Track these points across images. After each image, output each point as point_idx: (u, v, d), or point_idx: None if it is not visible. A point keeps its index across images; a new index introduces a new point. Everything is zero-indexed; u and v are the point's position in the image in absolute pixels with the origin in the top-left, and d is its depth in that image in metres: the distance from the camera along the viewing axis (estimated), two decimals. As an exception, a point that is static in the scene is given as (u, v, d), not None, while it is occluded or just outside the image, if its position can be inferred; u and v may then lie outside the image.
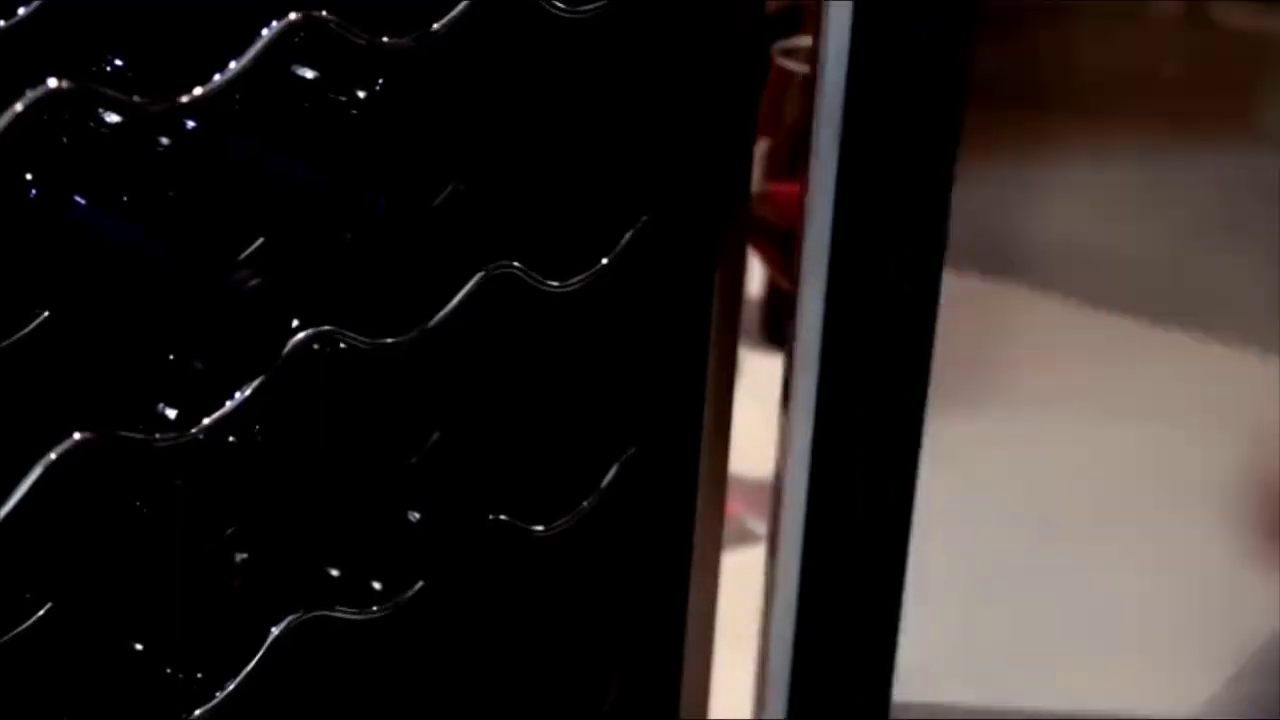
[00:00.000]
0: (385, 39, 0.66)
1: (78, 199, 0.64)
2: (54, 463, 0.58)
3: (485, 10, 0.68)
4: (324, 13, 0.63)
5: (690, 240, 0.80)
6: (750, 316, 0.87)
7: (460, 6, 0.67)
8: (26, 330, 0.64)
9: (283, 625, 0.69)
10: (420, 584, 0.72)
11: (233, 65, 0.61)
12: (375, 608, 0.71)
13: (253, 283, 0.61)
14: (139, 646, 0.69)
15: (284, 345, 0.65)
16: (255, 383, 0.64)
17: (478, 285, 0.72)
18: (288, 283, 0.67)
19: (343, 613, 0.71)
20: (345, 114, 0.70)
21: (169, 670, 0.68)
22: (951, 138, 0.83)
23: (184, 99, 0.60)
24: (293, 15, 0.63)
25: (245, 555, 0.72)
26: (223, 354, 0.63)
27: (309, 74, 0.69)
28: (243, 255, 0.67)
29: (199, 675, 0.67)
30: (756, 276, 0.94)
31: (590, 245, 0.77)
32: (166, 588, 0.70)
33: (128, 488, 0.70)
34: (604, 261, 0.77)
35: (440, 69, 0.72)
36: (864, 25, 0.77)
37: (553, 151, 0.78)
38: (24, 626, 0.64)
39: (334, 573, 0.72)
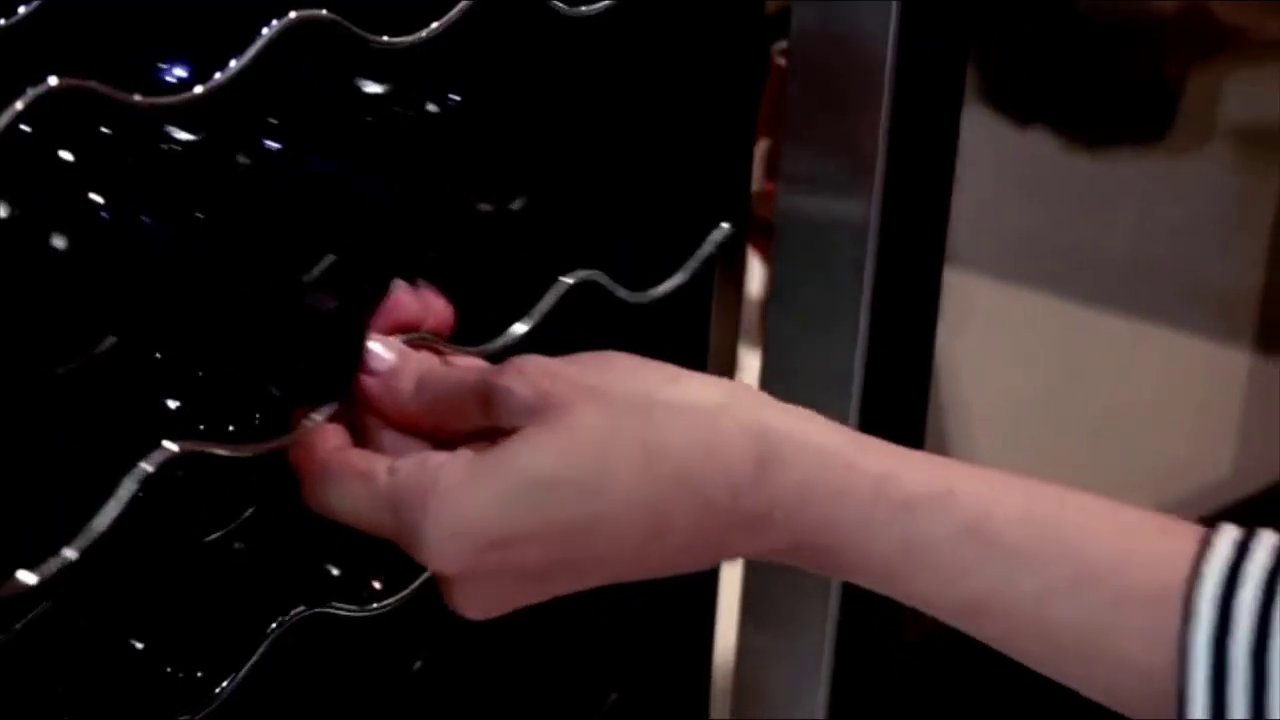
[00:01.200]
0: (386, 39, 0.66)
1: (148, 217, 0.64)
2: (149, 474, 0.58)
3: (485, 8, 0.68)
4: (325, 12, 0.64)
5: (689, 240, 0.80)
6: (750, 316, 0.87)
7: (460, 5, 0.67)
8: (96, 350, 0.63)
9: (284, 622, 0.69)
10: (422, 579, 0.72)
11: (233, 64, 0.61)
12: (376, 605, 0.71)
13: (331, 306, 0.61)
14: (139, 646, 0.69)
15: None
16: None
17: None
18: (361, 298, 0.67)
19: (343, 610, 0.71)
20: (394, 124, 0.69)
21: (169, 669, 0.68)
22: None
23: (183, 98, 0.60)
24: (293, 14, 0.63)
25: (247, 552, 0.72)
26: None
27: (375, 88, 0.69)
28: (315, 272, 0.66)
29: (199, 674, 0.67)
30: (756, 276, 0.94)
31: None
32: (167, 586, 0.70)
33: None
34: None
35: (440, 67, 0.72)
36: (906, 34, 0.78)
37: (554, 150, 0.78)
38: (24, 625, 0.64)
39: (335, 570, 0.72)
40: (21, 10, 0.58)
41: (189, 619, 0.69)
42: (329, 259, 0.66)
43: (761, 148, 0.85)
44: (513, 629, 0.83)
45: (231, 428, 0.62)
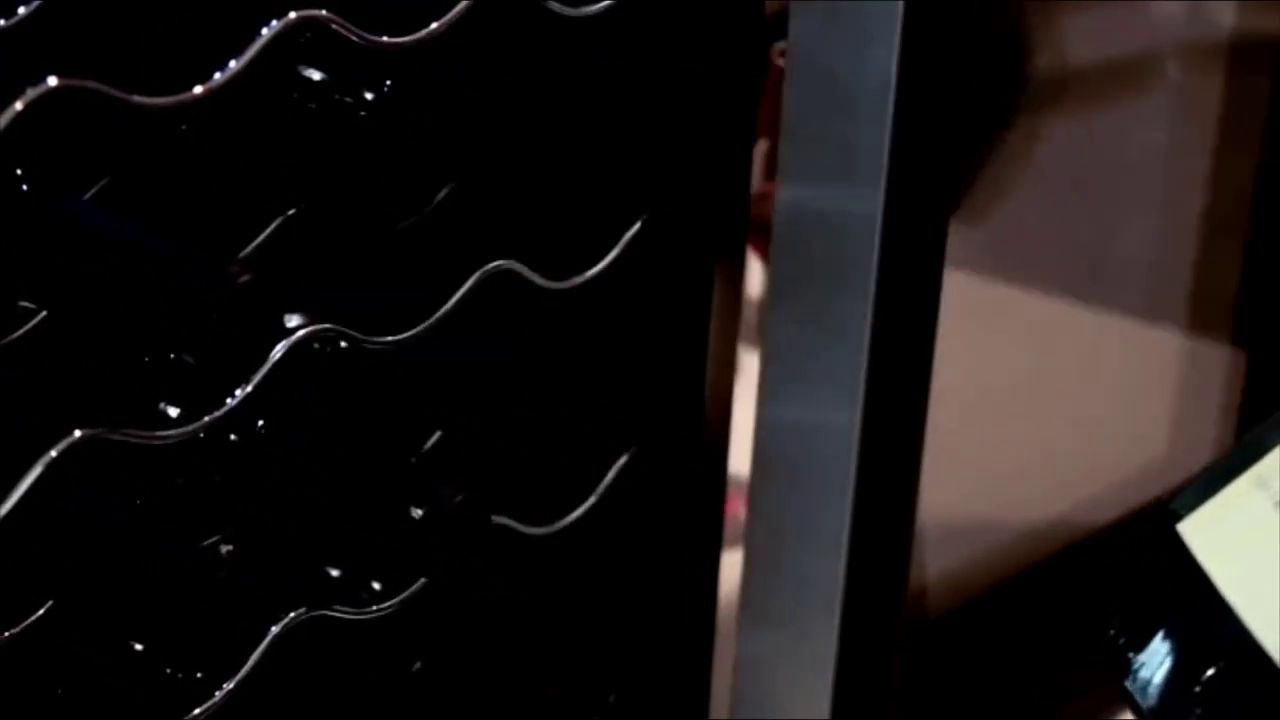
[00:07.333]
0: (385, 39, 0.66)
1: (74, 196, 0.64)
2: (55, 460, 0.58)
3: (485, 8, 0.68)
4: (324, 12, 0.64)
5: (689, 240, 0.80)
6: (750, 316, 0.87)
7: (460, 5, 0.67)
8: (25, 329, 0.64)
9: (283, 624, 0.69)
10: (421, 582, 0.72)
11: (233, 64, 0.61)
12: (375, 607, 0.71)
13: (244, 279, 0.61)
14: (139, 646, 0.69)
15: (284, 343, 0.65)
16: (254, 380, 0.64)
17: (477, 283, 0.72)
18: (287, 281, 0.68)
19: (343, 612, 0.71)
20: (350, 114, 0.70)
21: (169, 670, 0.68)
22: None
23: (183, 98, 0.60)
24: (292, 15, 0.63)
25: (245, 554, 0.72)
26: (222, 352, 0.63)
27: (315, 75, 0.69)
28: (242, 254, 0.67)
29: (199, 675, 0.67)
30: (756, 276, 0.94)
31: (590, 245, 0.77)
32: (167, 586, 0.70)
33: (127, 485, 0.70)
34: (604, 261, 0.77)
35: (440, 68, 0.72)
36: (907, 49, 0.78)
37: (554, 151, 0.78)
38: (24, 626, 0.64)
39: (334, 572, 0.72)
40: (21, 10, 0.58)
41: (189, 620, 0.69)
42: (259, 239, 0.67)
43: (761, 148, 0.85)
44: (512, 629, 0.83)
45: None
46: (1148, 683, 0.60)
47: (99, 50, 0.61)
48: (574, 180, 0.78)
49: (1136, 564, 0.62)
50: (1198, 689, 0.59)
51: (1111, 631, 0.61)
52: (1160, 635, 0.60)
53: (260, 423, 0.71)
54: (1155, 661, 0.60)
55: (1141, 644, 0.60)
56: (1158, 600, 0.61)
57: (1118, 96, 1.07)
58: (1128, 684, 0.60)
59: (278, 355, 0.65)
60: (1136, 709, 0.60)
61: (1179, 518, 0.61)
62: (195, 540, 0.71)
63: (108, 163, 0.67)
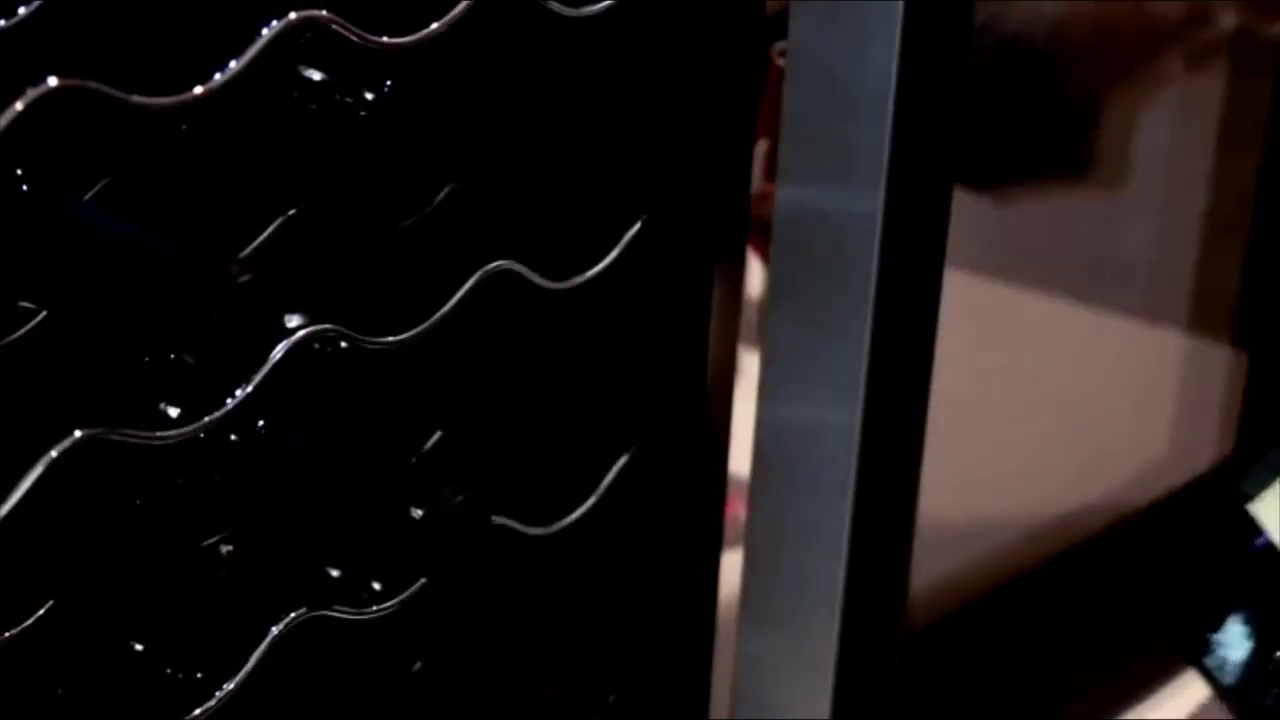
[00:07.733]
0: (385, 39, 0.66)
1: (74, 196, 0.64)
2: (55, 460, 0.58)
3: (485, 9, 0.68)
4: (324, 12, 0.64)
5: (690, 240, 0.80)
6: (750, 316, 0.87)
7: (461, 6, 0.67)
8: (25, 329, 0.64)
9: (283, 625, 0.69)
10: (421, 582, 0.72)
11: (233, 65, 0.61)
12: (375, 607, 0.71)
13: (244, 279, 0.61)
14: (139, 646, 0.69)
15: (284, 343, 0.65)
16: (254, 380, 0.64)
17: (478, 283, 0.72)
18: (287, 281, 0.68)
19: (343, 612, 0.71)
20: (350, 114, 0.70)
21: (169, 670, 0.68)
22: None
23: (183, 98, 0.60)
24: (292, 15, 0.63)
25: (245, 554, 0.72)
26: (222, 352, 0.63)
27: (315, 75, 0.69)
28: (242, 254, 0.67)
29: (199, 675, 0.67)
30: (756, 276, 0.94)
31: (591, 245, 0.77)
32: (167, 587, 0.70)
33: (127, 486, 0.70)
34: (604, 261, 0.77)
35: (440, 69, 0.72)
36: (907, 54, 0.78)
37: (554, 151, 0.78)
38: (24, 625, 0.64)
39: (334, 572, 0.72)
40: (21, 10, 0.58)
41: (189, 620, 0.69)
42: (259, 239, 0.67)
43: (761, 148, 0.85)
44: (513, 629, 0.83)
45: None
46: (1225, 660, 0.60)
47: (99, 50, 0.61)
48: (574, 180, 0.78)
49: (1208, 544, 0.62)
50: (1272, 666, 0.59)
51: (1185, 611, 0.61)
52: (1236, 614, 0.61)
53: (260, 423, 0.71)
54: (1232, 640, 0.60)
55: (1217, 623, 0.61)
56: (1232, 579, 0.61)
57: (1118, 97, 1.07)
58: (1206, 662, 0.60)
59: (278, 355, 0.65)
60: (1216, 686, 0.60)
61: (1250, 498, 0.61)
62: (195, 540, 0.71)
63: (108, 163, 0.67)
